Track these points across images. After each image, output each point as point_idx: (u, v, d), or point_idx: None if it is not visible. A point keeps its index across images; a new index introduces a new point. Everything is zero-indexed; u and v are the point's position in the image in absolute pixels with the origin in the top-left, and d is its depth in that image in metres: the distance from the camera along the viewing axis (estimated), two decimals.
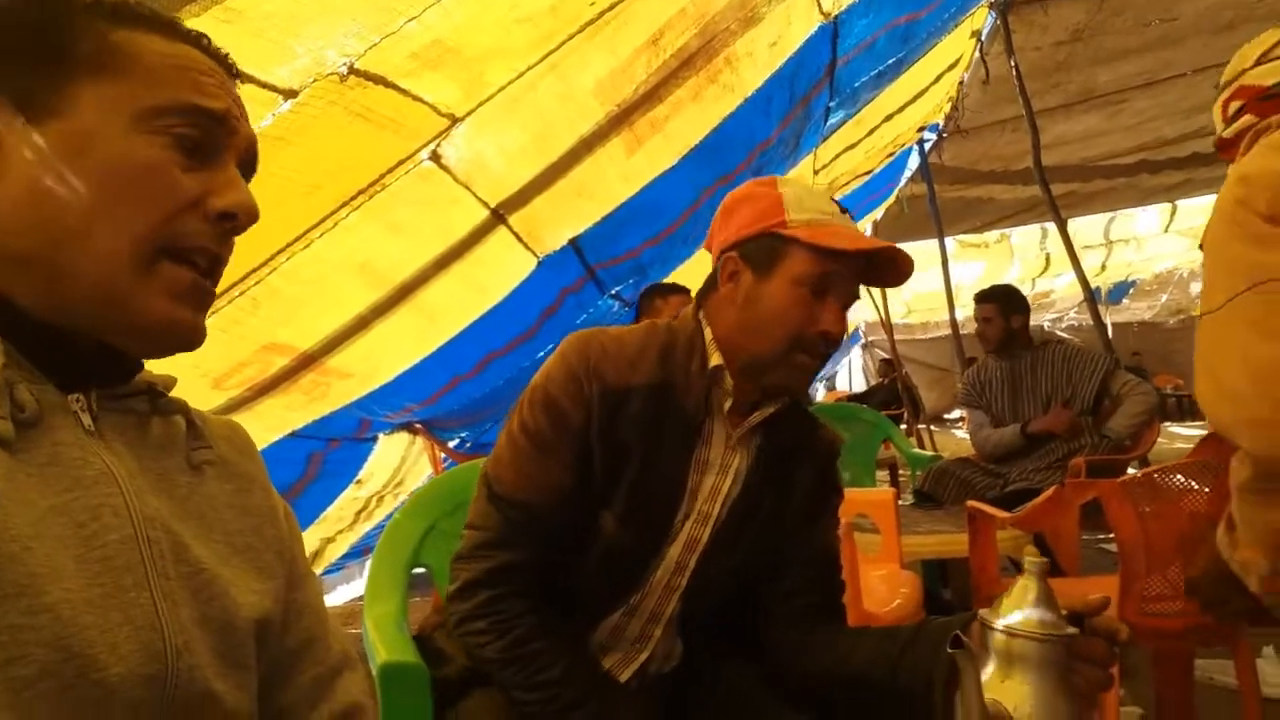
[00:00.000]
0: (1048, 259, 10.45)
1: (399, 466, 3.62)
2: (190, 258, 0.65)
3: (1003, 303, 3.38)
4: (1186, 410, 13.15)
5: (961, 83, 5.18)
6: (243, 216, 0.66)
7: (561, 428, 1.08)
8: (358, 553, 4.00)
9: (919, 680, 0.97)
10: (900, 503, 2.61)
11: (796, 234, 1.08)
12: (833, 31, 3.13)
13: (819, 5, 2.95)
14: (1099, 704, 0.84)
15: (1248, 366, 0.92)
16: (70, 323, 0.62)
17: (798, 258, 1.09)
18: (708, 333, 1.15)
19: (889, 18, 3.37)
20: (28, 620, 0.53)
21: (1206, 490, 1.72)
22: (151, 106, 0.62)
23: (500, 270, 2.86)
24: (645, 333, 1.16)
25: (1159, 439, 3.41)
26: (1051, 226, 5.91)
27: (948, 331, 6.61)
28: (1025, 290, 5.65)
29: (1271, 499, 0.94)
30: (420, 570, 1.39)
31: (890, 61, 3.88)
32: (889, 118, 4.95)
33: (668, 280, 4.45)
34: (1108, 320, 10.82)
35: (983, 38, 4.71)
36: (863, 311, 12.26)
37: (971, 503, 2.38)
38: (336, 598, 5.40)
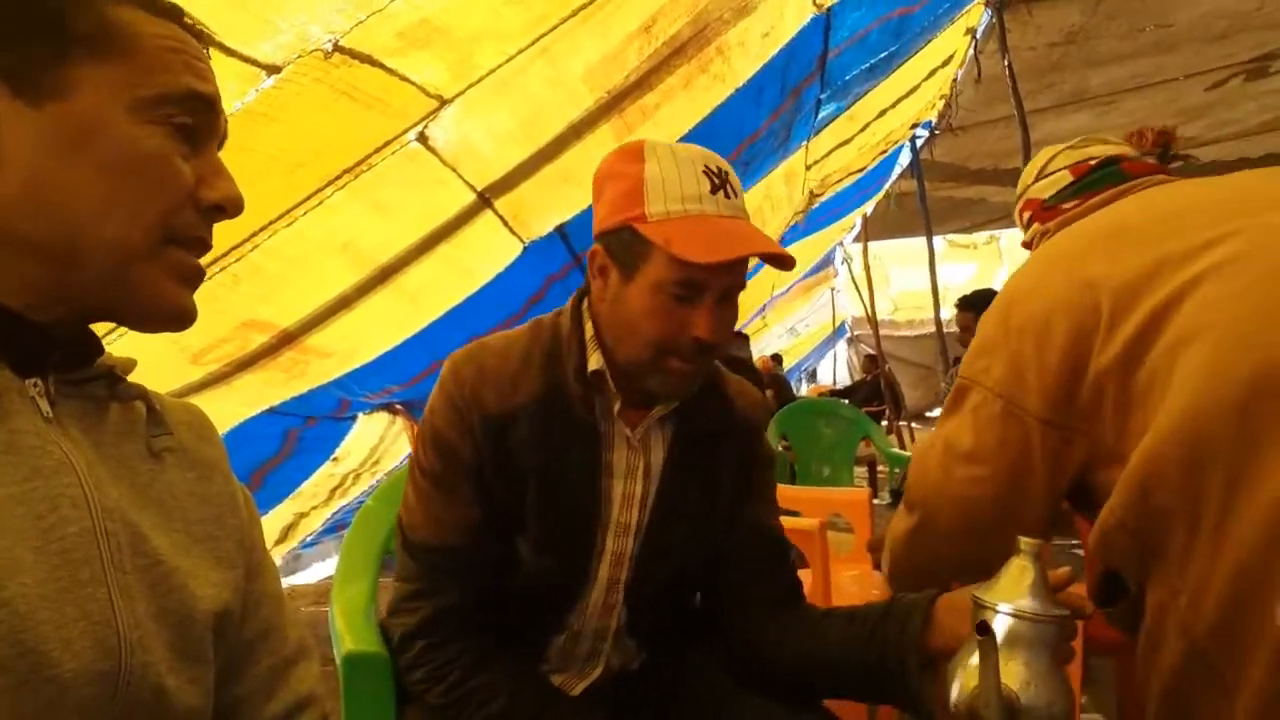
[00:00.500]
0: None
1: (377, 445, 3.60)
2: (188, 246, 0.66)
3: (981, 310, 3.40)
4: None
5: (955, 80, 5.18)
6: (231, 209, 0.67)
7: (454, 463, 1.03)
8: (333, 529, 3.99)
9: (891, 660, 0.97)
10: (877, 501, 2.63)
11: (652, 236, 0.97)
12: (825, 23, 3.12)
13: None
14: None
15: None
16: (49, 307, 0.61)
17: (657, 262, 0.98)
18: (588, 329, 1.07)
19: (882, 11, 3.36)
20: None
21: None
22: (154, 94, 0.62)
23: (485, 254, 2.83)
24: (529, 338, 1.08)
25: None
26: None
27: (933, 330, 6.64)
28: None
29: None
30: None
31: (883, 55, 3.87)
32: (882, 113, 4.94)
33: None
34: None
35: (978, 35, 4.71)
36: (849, 307, 12.31)
37: None
38: (311, 575, 5.38)
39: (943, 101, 5.36)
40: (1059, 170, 1.26)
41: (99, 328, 0.68)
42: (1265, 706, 0.77)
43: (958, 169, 6.09)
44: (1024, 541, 0.83)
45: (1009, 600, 0.81)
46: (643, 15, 2.36)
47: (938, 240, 6.24)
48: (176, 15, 0.66)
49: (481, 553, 1.04)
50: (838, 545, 2.24)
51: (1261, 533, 0.78)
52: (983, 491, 1.03)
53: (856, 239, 8.21)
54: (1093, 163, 1.23)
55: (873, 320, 7.30)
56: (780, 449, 4.41)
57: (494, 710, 0.99)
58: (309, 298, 2.53)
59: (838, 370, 16.63)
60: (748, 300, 7.60)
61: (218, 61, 0.70)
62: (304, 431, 3.21)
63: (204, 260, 0.68)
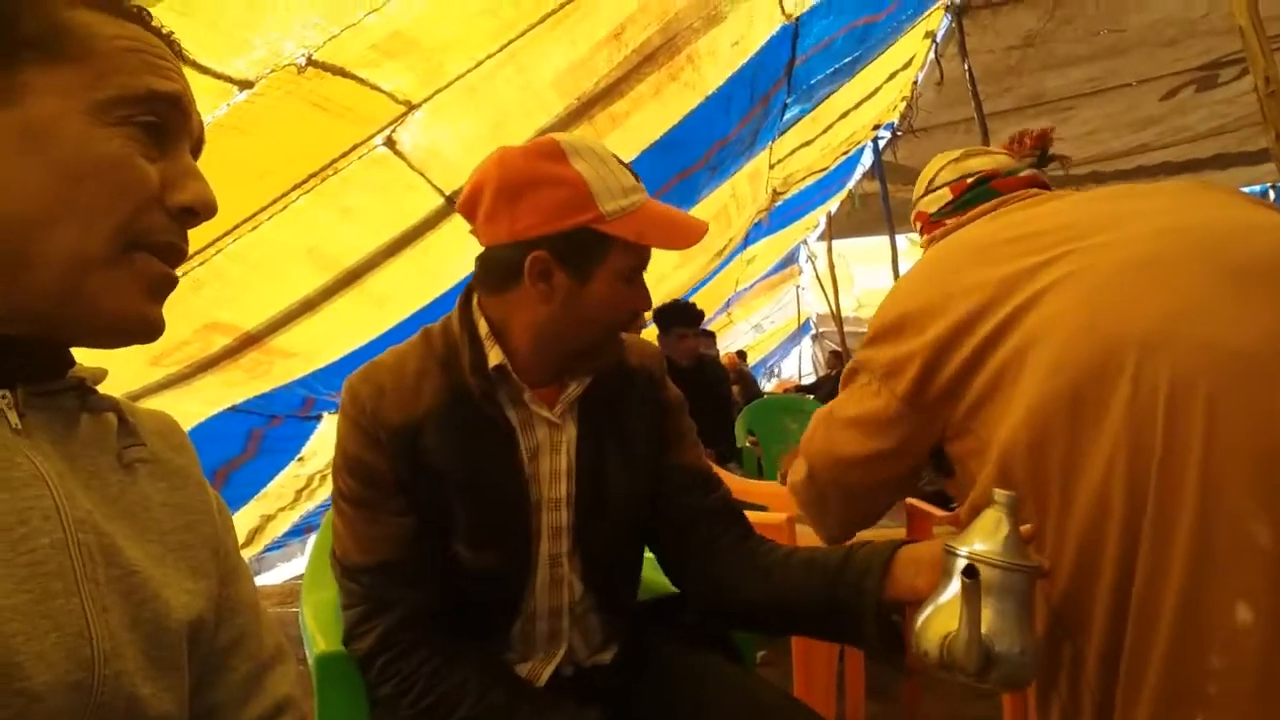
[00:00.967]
0: None
1: None
2: (156, 252, 0.63)
3: None
4: None
5: (916, 83, 5.25)
6: (203, 212, 0.65)
7: (371, 481, 1.05)
8: (299, 531, 3.95)
9: (849, 612, 0.99)
10: None
11: (622, 233, 1.02)
12: (794, 31, 3.15)
13: (781, 6, 2.96)
14: None
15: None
16: (13, 319, 0.59)
17: (619, 254, 1.04)
18: (481, 328, 1.09)
19: (849, 19, 3.40)
20: None
21: None
22: (111, 96, 0.60)
23: (452, 258, 2.83)
24: (422, 348, 1.10)
25: None
26: None
27: None
28: None
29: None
30: None
31: (846, 60, 3.91)
32: (844, 115, 4.99)
33: None
34: None
35: (938, 39, 4.77)
36: (814, 304, 12.42)
37: (910, 500, 2.43)
38: (276, 576, 5.33)
39: (904, 104, 5.43)
40: (941, 187, 1.41)
41: None
42: (1106, 657, 0.93)
43: (920, 174, 6.17)
44: (998, 494, 0.85)
45: (986, 549, 0.82)
46: (612, 23, 2.36)
47: (900, 239, 6.31)
48: (141, 18, 0.65)
49: (419, 562, 1.05)
50: (806, 539, 2.27)
51: (1093, 508, 0.93)
52: (854, 452, 1.22)
53: (821, 237, 8.29)
54: (969, 181, 1.37)
55: (837, 317, 7.38)
56: (747, 445, 4.45)
57: (464, 715, 1.00)
58: (273, 301, 2.51)
59: (802, 366, 16.78)
60: (712, 296, 7.64)
61: (190, 79, 0.69)
62: (268, 431, 3.18)
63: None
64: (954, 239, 1.28)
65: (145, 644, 0.64)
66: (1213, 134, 5.83)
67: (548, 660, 1.15)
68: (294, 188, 2.12)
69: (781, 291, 12.30)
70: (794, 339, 15.48)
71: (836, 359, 9.91)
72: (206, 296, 2.24)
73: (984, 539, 0.84)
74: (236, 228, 2.09)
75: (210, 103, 1.66)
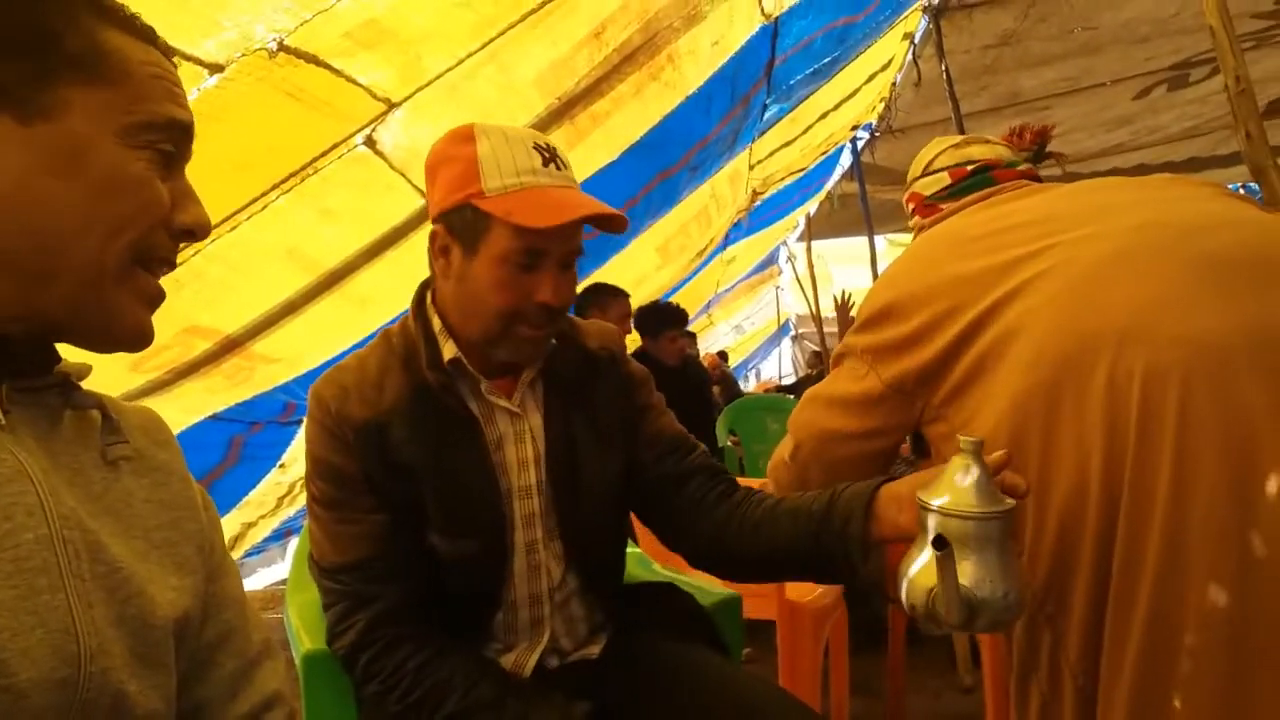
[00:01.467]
0: None
1: None
2: (154, 268, 0.67)
3: None
4: None
5: (894, 84, 5.29)
6: (200, 233, 0.68)
7: (341, 481, 1.06)
8: (279, 536, 3.92)
9: (837, 556, 1.01)
10: None
11: (493, 209, 1.01)
12: (773, 31, 3.16)
13: (760, 6, 2.98)
14: None
15: None
16: (17, 321, 0.61)
17: (499, 234, 1.03)
18: (435, 323, 1.11)
19: (828, 20, 3.42)
20: None
21: None
22: (140, 121, 0.63)
23: None
24: (383, 348, 1.13)
25: None
26: None
27: None
28: None
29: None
30: None
31: (826, 60, 3.93)
32: (824, 116, 5.02)
33: (604, 269, 4.46)
34: None
35: (915, 40, 4.81)
36: (793, 304, 12.46)
37: None
38: (257, 581, 5.28)
39: (882, 104, 5.46)
40: (940, 171, 1.42)
41: None
42: (1087, 641, 0.96)
43: (899, 173, 6.22)
44: (964, 440, 0.84)
45: (955, 502, 0.82)
46: (592, 22, 2.37)
47: (879, 239, 6.35)
48: (152, 37, 0.67)
49: (394, 557, 1.07)
50: None
51: (1071, 495, 0.96)
52: (839, 428, 1.27)
53: (800, 238, 8.32)
54: (969, 168, 1.39)
55: (817, 318, 7.39)
56: (729, 444, 4.47)
57: (451, 709, 1.01)
58: (254, 303, 2.49)
59: (783, 366, 16.84)
60: (694, 298, 7.65)
61: None
62: (249, 438, 3.15)
63: None
64: (941, 229, 1.32)
65: (131, 641, 0.64)
66: (1185, 136, 5.90)
67: (531, 649, 1.16)
68: (273, 187, 2.10)
69: (761, 292, 12.35)
70: (774, 340, 15.54)
71: (817, 359, 9.95)
72: (186, 298, 2.22)
73: (953, 490, 0.83)
74: (216, 227, 2.07)
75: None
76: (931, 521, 0.84)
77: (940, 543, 0.80)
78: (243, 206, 2.11)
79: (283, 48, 1.77)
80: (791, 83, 3.90)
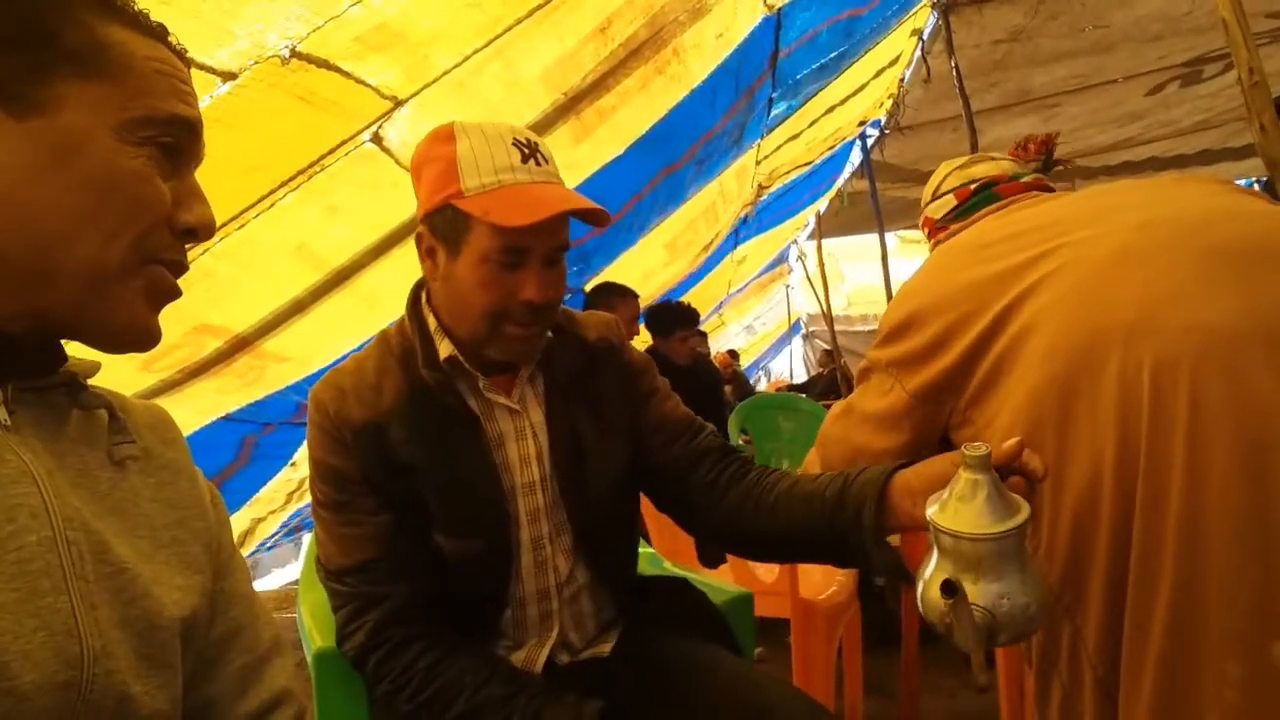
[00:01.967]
0: None
1: None
2: (164, 266, 0.65)
3: None
4: None
5: (902, 80, 5.26)
6: (203, 233, 0.66)
7: (345, 484, 1.07)
8: (289, 532, 3.94)
9: (851, 543, 0.99)
10: None
11: (471, 209, 1.01)
12: (776, 23, 3.16)
13: None
14: None
15: None
16: (20, 319, 0.60)
17: (479, 234, 1.02)
18: (430, 322, 1.11)
19: (831, 13, 3.40)
20: None
21: None
22: (139, 117, 0.61)
23: None
24: (381, 349, 1.13)
25: None
26: None
27: None
28: None
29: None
30: None
31: (832, 55, 3.92)
32: (830, 110, 5.00)
33: (613, 266, 4.46)
34: None
35: (924, 37, 4.78)
36: (804, 303, 12.43)
37: None
38: (272, 581, 5.32)
39: (890, 101, 5.44)
40: (947, 194, 1.48)
41: None
42: (1106, 632, 0.97)
43: (908, 171, 6.19)
44: (969, 456, 0.79)
45: (966, 524, 0.78)
46: (598, 17, 2.37)
47: (890, 237, 6.33)
48: (162, 34, 0.66)
49: (400, 557, 1.07)
50: None
51: (1086, 488, 0.97)
52: (869, 443, 1.30)
53: (810, 236, 8.29)
54: (973, 187, 1.44)
55: (828, 316, 7.38)
56: (741, 443, 4.46)
57: (462, 709, 1.01)
58: (263, 301, 2.50)
59: (794, 365, 16.79)
60: (705, 298, 7.64)
61: None
62: (261, 438, 3.16)
63: None
64: (955, 240, 1.36)
65: (136, 642, 0.64)
66: (1197, 129, 5.86)
67: (541, 645, 1.15)
68: (281, 185, 2.11)
69: (772, 291, 12.32)
70: (785, 339, 15.50)
71: (828, 357, 9.92)
72: (195, 297, 2.23)
73: (963, 511, 0.79)
74: (224, 226, 2.08)
75: None
76: (943, 544, 0.81)
77: (949, 589, 0.77)
78: (251, 205, 2.12)
79: (295, 54, 1.78)
80: (798, 77, 3.88)
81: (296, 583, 1.31)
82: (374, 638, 1.05)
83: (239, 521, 3.38)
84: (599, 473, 1.16)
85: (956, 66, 4.40)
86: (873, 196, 5.85)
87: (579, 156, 2.87)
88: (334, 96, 1.95)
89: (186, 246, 0.67)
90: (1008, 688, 1.90)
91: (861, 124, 5.67)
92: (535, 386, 1.16)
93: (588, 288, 3.87)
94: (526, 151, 1.05)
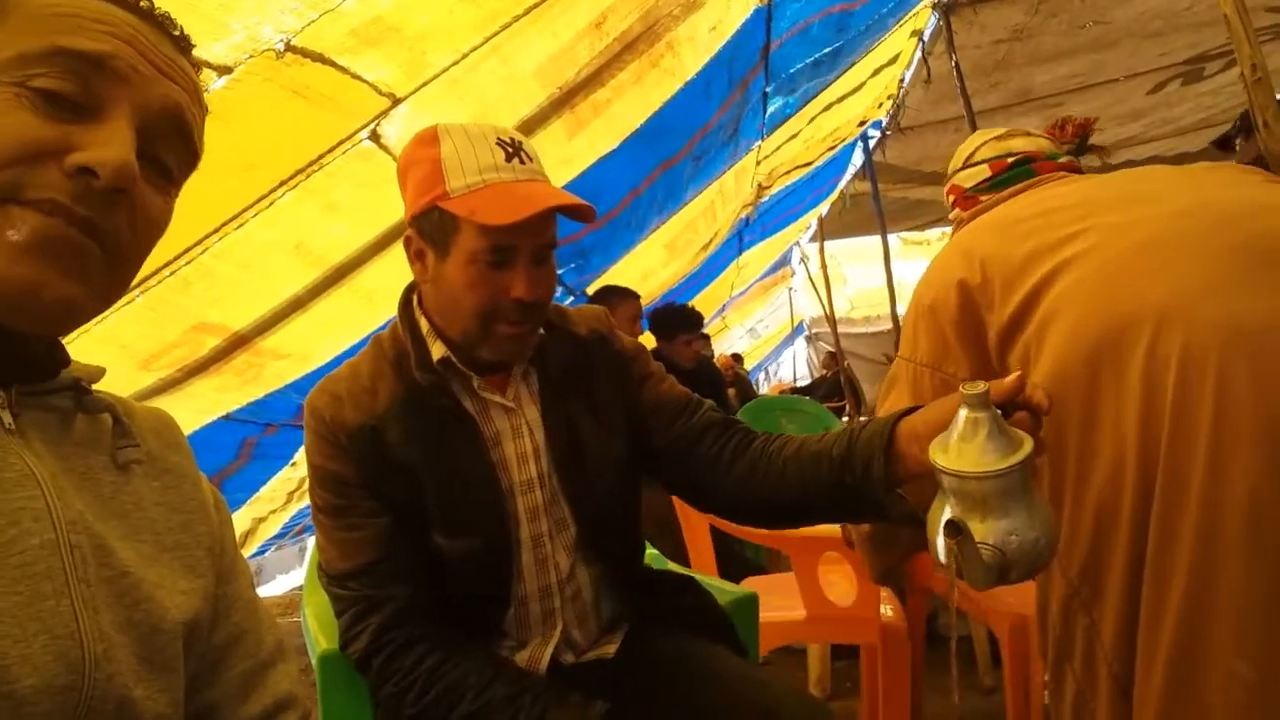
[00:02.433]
0: None
1: None
2: (40, 208, 0.57)
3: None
4: None
5: (903, 81, 5.26)
6: (106, 174, 0.58)
7: (341, 488, 1.07)
8: (292, 535, 3.94)
9: (864, 497, 0.99)
10: None
11: (457, 209, 1.02)
12: (767, 14, 3.16)
13: None
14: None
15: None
16: None
17: (467, 234, 1.03)
18: (422, 324, 1.12)
19: (822, 5, 3.41)
20: None
21: None
22: (13, 55, 0.58)
23: None
24: (374, 353, 1.13)
25: None
26: None
27: (889, 326, 6.73)
28: None
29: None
30: None
31: (827, 50, 3.92)
32: (828, 108, 5.01)
33: (615, 266, 4.46)
34: None
35: (924, 38, 4.78)
36: (807, 306, 12.41)
37: None
38: (276, 587, 5.31)
39: (891, 102, 5.44)
40: (980, 163, 1.42)
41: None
42: (1122, 627, 0.96)
43: (910, 172, 6.19)
44: (967, 393, 0.79)
45: (969, 463, 0.78)
46: (593, 12, 2.37)
47: (892, 238, 6.32)
48: (129, 4, 0.63)
49: (401, 559, 1.07)
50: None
51: (1108, 478, 0.96)
52: None
53: (813, 239, 8.29)
54: (1010, 160, 1.39)
55: (831, 319, 7.36)
56: None
57: (467, 710, 1.00)
58: (262, 299, 2.50)
59: (797, 368, 16.76)
60: (708, 301, 7.64)
61: None
62: (261, 439, 3.17)
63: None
64: (979, 223, 1.33)
65: (138, 646, 0.63)
66: (1199, 126, 5.85)
67: (545, 643, 1.15)
68: (280, 184, 2.11)
69: (775, 294, 12.32)
70: (787, 341, 15.49)
71: (831, 359, 9.91)
72: (194, 296, 2.23)
73: (965, 449, 0.79)
74: (223, 225, 2.08)
75: None
76: (948, 484, 0.80)
77: (952, 529, 0.76)
78: (249, 204, 2.12)
79: (290, 48, 1.78)
80: (791, 71, 3.88)
81: (301, 588, 1.31)
82: (377, 640, 1.05)
83: (240, 521, 3.38)
84: (598, 466, 1.16)
85: (957, 66, 4.39)
86: (875, 199, 5.85)
87: (573, 151, 2.87)
88: (330, 92, 1.96)
89: (98, 192, 0.59)
90: (1013, 689, 1.88)
91: (862, 124, 5.66)
92: (529, 384, 1.16)
93: (590, 290, 3.88)
94: (510, 150, 1.06)
